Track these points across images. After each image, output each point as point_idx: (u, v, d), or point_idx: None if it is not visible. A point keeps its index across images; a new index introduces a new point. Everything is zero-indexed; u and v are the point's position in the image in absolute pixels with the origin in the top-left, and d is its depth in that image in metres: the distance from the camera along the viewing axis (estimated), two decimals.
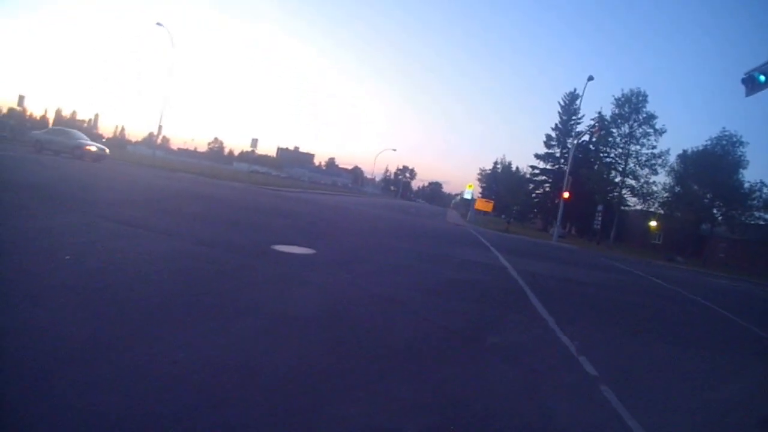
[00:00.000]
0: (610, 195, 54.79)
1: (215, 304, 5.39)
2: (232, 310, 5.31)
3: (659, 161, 52.17)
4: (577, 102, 68.05)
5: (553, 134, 72.06)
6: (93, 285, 5.24)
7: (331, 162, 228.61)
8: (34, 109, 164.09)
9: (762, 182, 46.76)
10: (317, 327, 5.32)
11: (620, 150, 55.75)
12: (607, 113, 56.28)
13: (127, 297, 5.05)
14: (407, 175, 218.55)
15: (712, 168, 46.98)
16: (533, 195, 74.74)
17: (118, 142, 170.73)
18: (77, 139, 31.36)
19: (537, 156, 73.17)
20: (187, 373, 3.59)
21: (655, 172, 53.14)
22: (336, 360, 4.46)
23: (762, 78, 15.77)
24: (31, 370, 3.23)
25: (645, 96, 53.34)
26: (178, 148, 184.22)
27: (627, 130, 54.30)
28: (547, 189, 72.40)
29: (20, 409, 2.80)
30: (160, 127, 45.03)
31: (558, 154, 71.02)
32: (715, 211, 49.25)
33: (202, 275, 6.60)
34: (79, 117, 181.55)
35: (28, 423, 2.72)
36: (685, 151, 52.77)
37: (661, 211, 54.11)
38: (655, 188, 52.56)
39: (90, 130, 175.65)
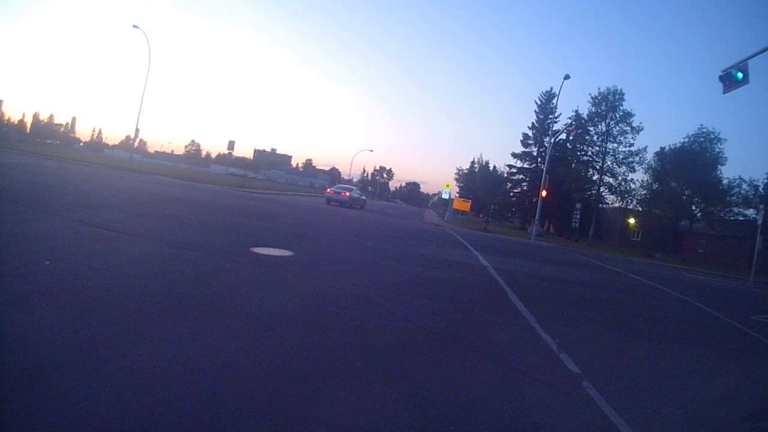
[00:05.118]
0: (588, 193, 55.13)
1: (195, 306, 5.37)
2: (213, 312, 5.28)
3: (637, 159, 52.66)
4: (554, 101, 68.21)
5: (530, 133, 72.26)
6: (75, 287, 5.30)
7: (308, 163, 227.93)
8: (12, 113, 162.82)
9: (740, 178, 47.24)
10: (297, 328, 5.28)
11: (597, 148, 56.13)
12: (584, 111, 56.73)
13: (108, 300, 5.05)
14: (385, 175, 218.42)
15: (690, 165, 47.20)
16: (511, 194, 75.03)
17: (95, 145, 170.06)
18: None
19: (514, 155, 73.29)
20: (170, 375, 3.58)
21: (633, 170, 53.75)
22: (317, 360, 4.45)
23: (739, 75, 16.03)
24: (15, 373, 3.21)
25: (621, 94, 53.80)
26: (155, 152, 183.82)
27: (604, 128, 54.67)
28: (525, 188, 72.63)
29: (2, 412, 2.81)
30: (137, 131, 44.33)
31: (535, 153, 71.18)
32: (693, 207, 49.49)
33: (182, 278, 6.57)
34: (56, 121, 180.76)
35: (12, 426, 2.72)
36: (662, 149, 53.02)
37: (640, 209, 54.44)
38: (633, 186, 52.98)
39: (67, 134, 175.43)
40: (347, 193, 39.72)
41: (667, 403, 5.16)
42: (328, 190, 43.72)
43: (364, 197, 47.93)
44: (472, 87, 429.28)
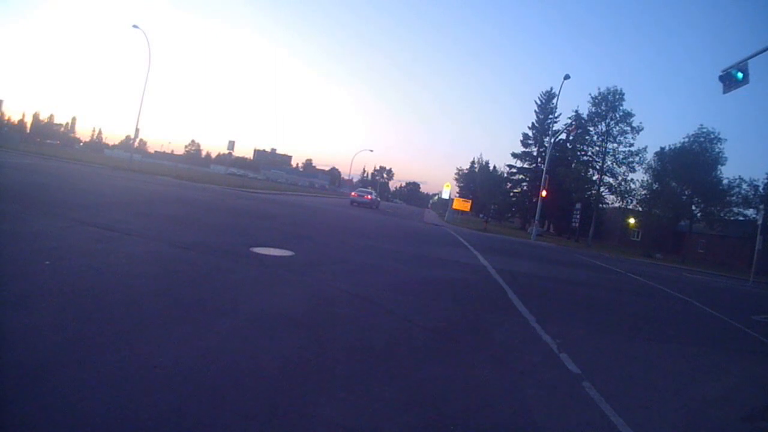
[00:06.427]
0: (588, 193, 55.00)
1: (195, 306, 5.39)
2: (212, 312, 5.29)
3: (637, 159, 52.45)
4: (554, 101, 68.20)
5: (530, 133, 72.23)
6: (75, 286, 5.27)
7: (308, 163, 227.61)
8: (12, 113, 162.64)
9: (740, 178, 47.09)
10: (297, 328, 5.27)
11: (597, 148, 55.94)
12: (584, 111, 56.63)
13: (108, 300, 5.04)
14: (384, 175, 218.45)
15: (691, 165, 47.00)
16: (511, 194, 75.09)
17: (95, 145, 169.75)
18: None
19: (514, 155, 73.26)
20: (170, 375, 3.58)
21: (633, 170, 53.54)
22: (317, 360, 4.43)
23: (739, 75, 16.04)
24: (15, 373, 3.21)
25: (621, 94, 53.61)
26: (155, 152, 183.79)
27: (604, 128, 54.48)
28: (525, 188, 72.61)
29: (2, 412, 2.81)
30: (137, 131, 44.28)
31: (535, 153, 71.13)
32: (693, 207, 49.29)
33: (182, 277, 6.58)
34: (56, 121, 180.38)
35: (12, 426, 2.71)
36: (662, 149, 52.83)
37: (640, 209, 54.32)
38: (633, 186, 52.81)
39: (67, 134, 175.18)
40: (369, 196, 49.59)
41: (667, 403, 5.15)
42: (353, 193, 52.35)
43: (378, 199, 59.56)
44: (472, 87, 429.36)
